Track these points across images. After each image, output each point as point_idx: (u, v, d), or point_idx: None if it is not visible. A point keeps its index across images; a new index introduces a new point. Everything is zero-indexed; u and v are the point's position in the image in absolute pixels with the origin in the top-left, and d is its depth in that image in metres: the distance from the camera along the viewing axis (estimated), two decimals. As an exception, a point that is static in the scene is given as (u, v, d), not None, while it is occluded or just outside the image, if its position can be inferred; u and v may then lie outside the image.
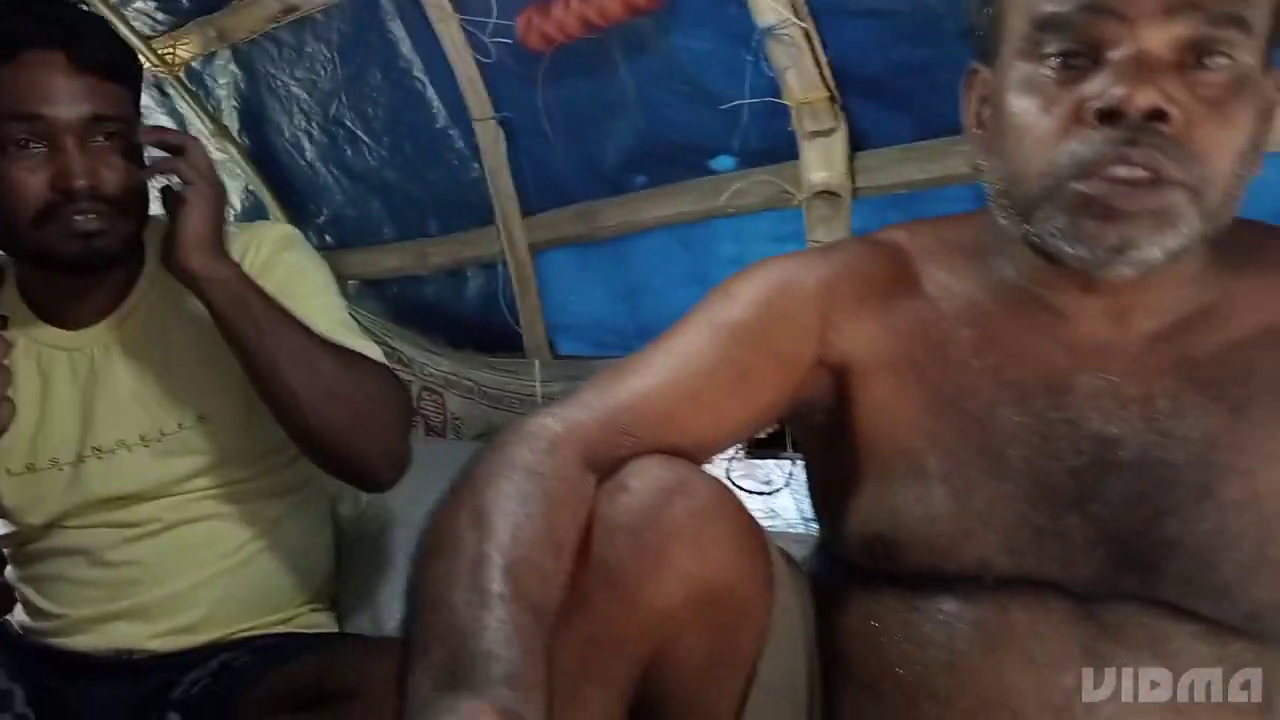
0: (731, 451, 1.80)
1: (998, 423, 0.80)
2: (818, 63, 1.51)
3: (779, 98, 1.57)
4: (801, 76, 1.52)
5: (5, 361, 1.19)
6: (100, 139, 1.16)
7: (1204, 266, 0.80)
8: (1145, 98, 0.68)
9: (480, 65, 1.89)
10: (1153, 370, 0.79)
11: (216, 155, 2.63)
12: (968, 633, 0.79)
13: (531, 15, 1.65)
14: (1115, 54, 0.70)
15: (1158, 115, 0.68)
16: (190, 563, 1.29)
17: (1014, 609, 0.78)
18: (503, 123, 1.98)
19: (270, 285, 1.20)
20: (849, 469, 0.86)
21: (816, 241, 1.65)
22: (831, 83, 1.54)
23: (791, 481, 1.79)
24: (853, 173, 1.60)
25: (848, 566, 0.88)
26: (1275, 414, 0.76)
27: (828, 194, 1.62)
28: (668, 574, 0.75)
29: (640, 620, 0.75)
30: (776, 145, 1.66)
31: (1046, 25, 0.73)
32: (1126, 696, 0.75)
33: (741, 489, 1.80)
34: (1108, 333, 0.80)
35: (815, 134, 1.58)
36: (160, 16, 2.40)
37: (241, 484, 1.31)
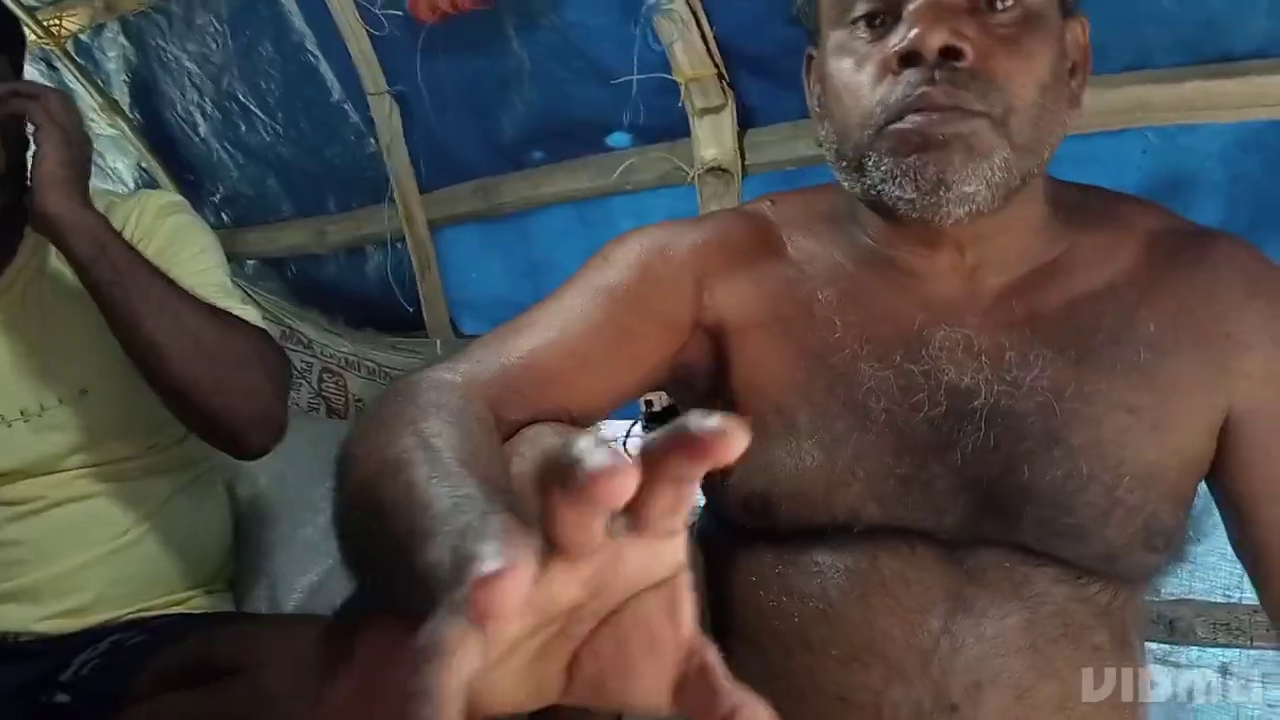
0: (629, 424, 1.82)
1: (861, 376, 0.84)
2: (705, 39, 1.53)
3: (669, 74, 1.58)
4: (689, 52, 1.54)
5: None
6: None
7: (1047, 224, 0.87)
8: (937, 37, 0.74)
9: (373, 38, 1.87)
10: (1002, 324, 0.84)
11: (107, 130, 2.55)
12: (839, 582, 0.82)
13: (420, -13, 1.64)
14: (910, 6, 0.76)
15: (952, 53, 0.74)
16: (77, 542, 1.27)
17: (883, 557, 0.82)
18: (397, 97, 1.95)
19: (151, 250, 1.19)
20: None
21: (710, 217, 1.68)
22: (719, 59, 1.56)
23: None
24: (742, 150, 1.63)
25: (729, 525, 0.91)
26: (1118, 366, 0.82)
27: (720, 170, 1.65)
28: None
29: None
30: (670, 122, 1.67)
31: None
32: (989, 637, 0.79)
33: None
34: (959, 289, 0.85)
35: (705, 111, 1.60)
36: (43, -13, 2.32)
37: (128, 461, 1.29)
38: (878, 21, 0.79)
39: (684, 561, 0.41)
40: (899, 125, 0.76)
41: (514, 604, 0.34)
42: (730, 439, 0.36)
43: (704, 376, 0.93)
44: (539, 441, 0.79)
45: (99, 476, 1.28)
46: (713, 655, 0.40)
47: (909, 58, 0.75)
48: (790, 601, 0.84)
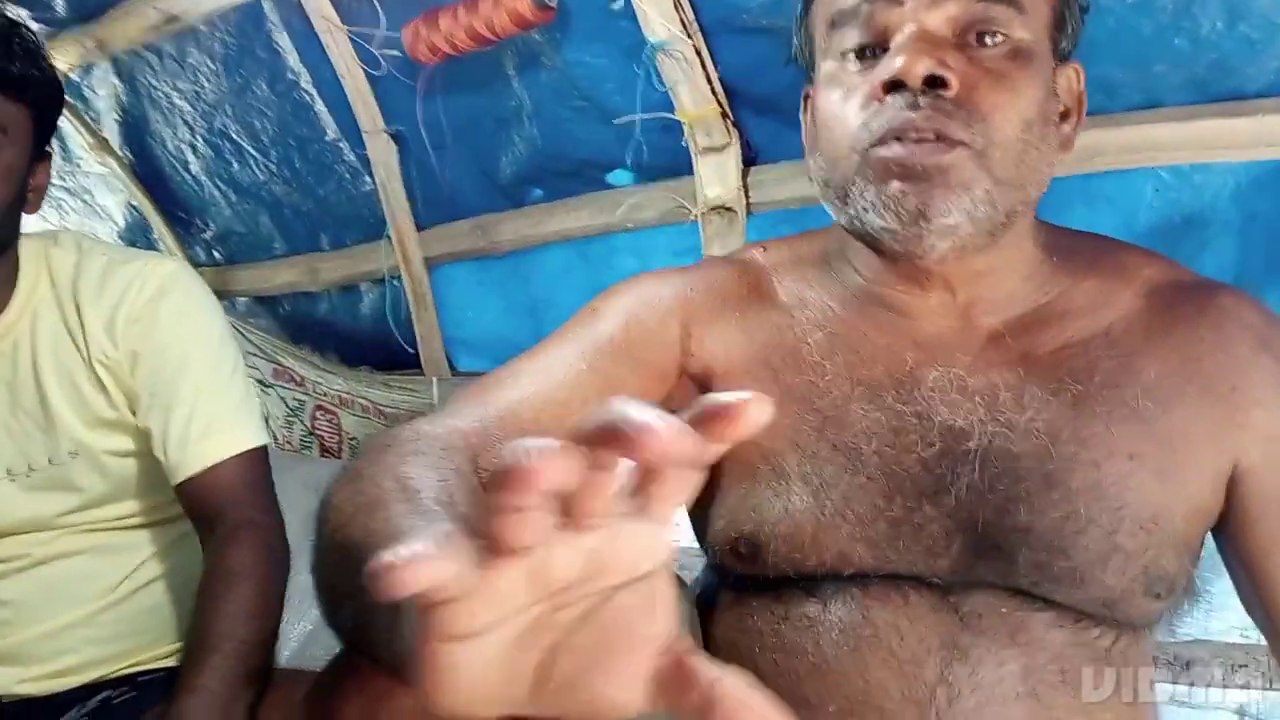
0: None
1: (852, 418, 0.83)
2: (709, 79, 1.52)
3: (672, 113, 1.57)
4: (693, 92, 1.53)
5: None
6: None
7: (1039, 267, 0.86)
8: (922, 65, 0.74)
9: (370, 77, 1.85)
10: (996, 364, 0.83)
11: (97, 169, 2.53)
12: (832, 636, 0.81)
13: (419, 27, 1.62)
14: (898, 37, 0.77)
15: (937, 82, 0.75)
16: (66, 600, 1.22)
17: (875, 607, 0.80)
18: (395, 135, 1.94)
19: (152, 344, 1.17)
20: (717, 476, 0.89)
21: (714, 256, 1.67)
22: (723, 99, 1.55)
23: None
24: (746, 188, 1.61)
25: (723, 577, 0.90)
26: (1116, 411, 0.80)
27: (723, 209, 1.63)
28: None
29: None
30: (673, 160, 1.66)
31: (839, 21, 0.80)
32: (987, 686, 0.77)
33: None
34: (952, 329, 0.85)
35: (708, 150, 1.59)
36: (34, 26, 2.29)
37: (123, 518, 1.25)
38: (867, 53, 0.79)
39: (668, 558, 0.41)
40: (880, 151, 0.76)
41: (433, 578, 0.35)
42: (749, 411, 0.38)
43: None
44: None
45: (94, 532, 1.24)
46: (690, 647, 0.40)
47: (894, 85, 0.76)
48: (785, 658, 0.83)
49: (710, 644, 0.91)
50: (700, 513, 0.92)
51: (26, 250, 1.20)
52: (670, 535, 0.40)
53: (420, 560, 0.35)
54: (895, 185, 0.75)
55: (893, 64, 0.75)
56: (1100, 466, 0.79)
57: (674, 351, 0.90)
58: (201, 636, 1.09)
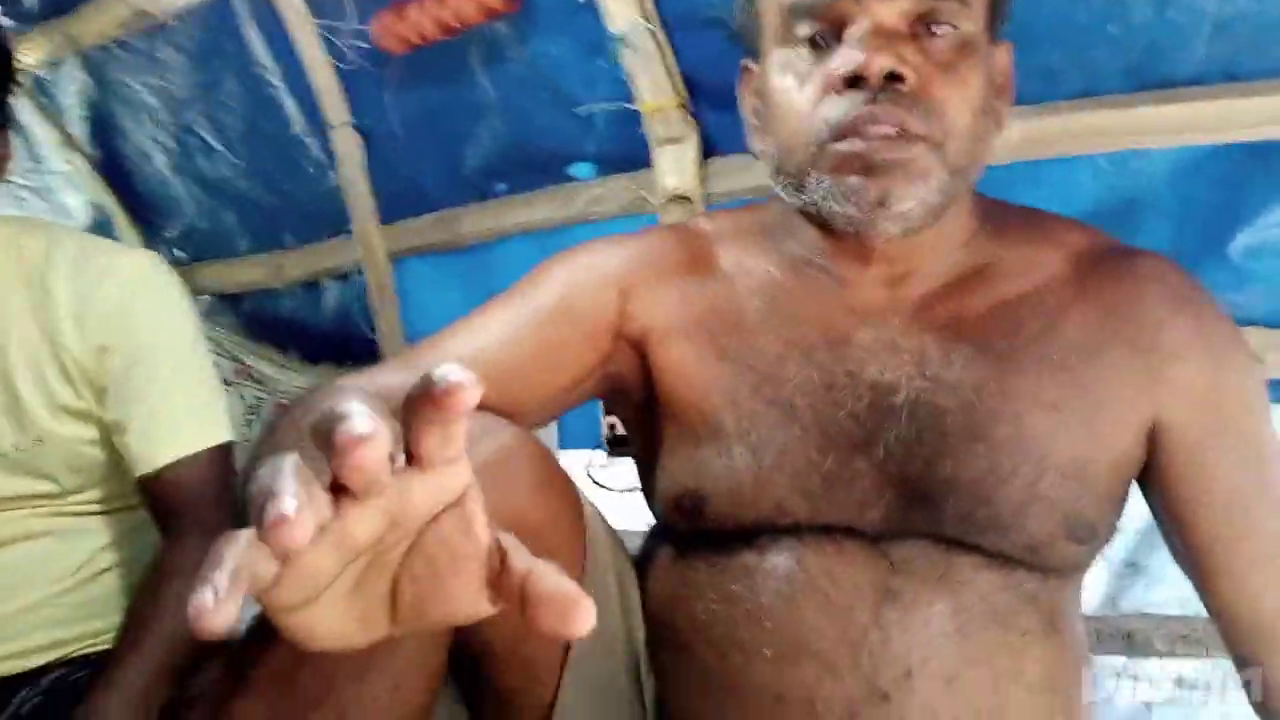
0: (592, 452, 1.82)
1: (786, 376, 0.86)
2: (669, 70, 1.55)
3: (632, 104, 1.61)
4: (653, 83, 1.56)
5: None
6: None
7: (972, 235, 0.91)
8: (881, 61, 0.77)
9: (338, 71, 1.87)
10: (926, 325, 0.87)
11: (62, 167, 2.53)
12: (769, 585, 0.84)
13: (387, 17, 1.65)
14: (854, 29, 0.79)
15: (895, 77, 0.78)
16: (24, 583, 1.21)
17: (809, 556, 0.83)
18: (360, 129, 1.96)
19: (122, 339, 1.16)
20: (661, 435, 0.92)
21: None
22: (682, 90, 1.59)
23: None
24: (704, 179, 1.65)
25: (666, 534, 0.93)
26: (1038, 366, 0.84)
27: (682, 199, 1.66)
28: None
29: None
30: (633, 152, 1.69)
31: (794, 11, 0.82)
32: (916, 626, 0.81)
33: (605, 488, 1.82)
34: (885, 294, 0.89)
35: (668, 141, 1.62)
36: (2, 20, 2.30)
37: (89, 502, 1.25)
38: (820, 41, 0.82)
39: (468, 481, 0.45)
40: (840, 146, 0.79)
41: (300, 540, 0.38)
42: (462, 388, 0.40)
43: (636, 388, 0.95)
44: None
45: (52, 516, 1.23)
46: (511, 544, 0.45)
47: (853, 80, 0.78)
48: (723, 608, 0.86)
49: (651, 599, 0.94)
50: (648, 472, 0.96)
51: None
52: (461, 467, 0.44)
53: (210, 602, 0.37)
54: (855, 179, 0.79)
55: (853, 59, 0.78)
56: (1023, 419, 0.83)
57: (609, 315, 0.93)
58: (126, 632, 1.10)
